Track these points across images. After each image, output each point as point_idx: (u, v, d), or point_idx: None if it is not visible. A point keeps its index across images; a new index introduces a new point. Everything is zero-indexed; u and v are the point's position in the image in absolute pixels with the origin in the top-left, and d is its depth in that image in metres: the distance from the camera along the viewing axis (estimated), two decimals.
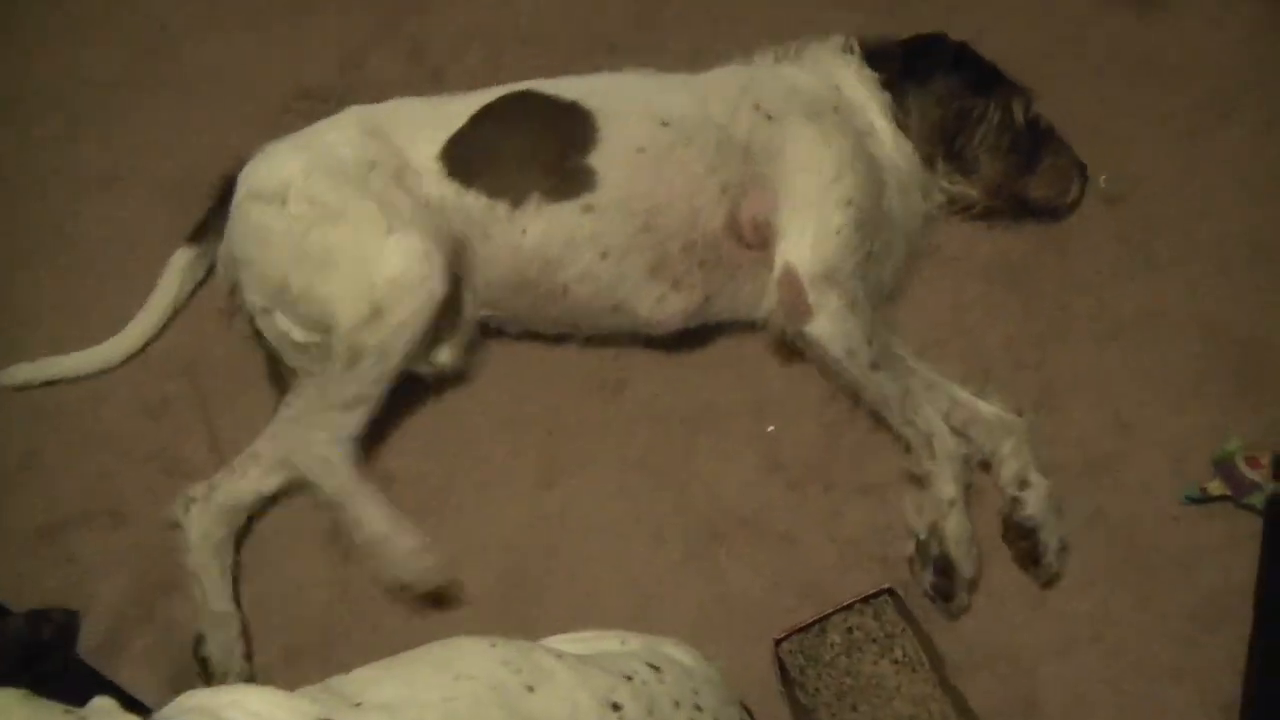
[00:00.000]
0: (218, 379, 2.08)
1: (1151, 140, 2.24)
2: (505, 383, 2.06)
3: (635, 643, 1.47)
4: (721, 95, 2.00)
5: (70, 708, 1.17)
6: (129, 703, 1.32)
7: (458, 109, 1.99)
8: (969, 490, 1.84)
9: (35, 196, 2.33)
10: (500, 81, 2.04)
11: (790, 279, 1.91)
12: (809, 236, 1.91)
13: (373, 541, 1.82)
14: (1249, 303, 2.05)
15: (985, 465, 1.89)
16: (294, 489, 1.92)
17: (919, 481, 1.85)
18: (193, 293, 2.15)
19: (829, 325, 1.89)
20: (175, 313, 2.13)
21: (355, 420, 1.88)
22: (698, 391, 2.03)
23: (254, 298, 1.94)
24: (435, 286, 1.85)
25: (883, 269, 2.03)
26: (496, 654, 1.31)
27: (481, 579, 1.88)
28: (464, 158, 1.95)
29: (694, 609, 1.84)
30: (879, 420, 1.93)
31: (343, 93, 2.31)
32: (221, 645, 1.80)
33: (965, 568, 1.78)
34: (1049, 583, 1.81)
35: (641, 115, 1.96)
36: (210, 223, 2.07)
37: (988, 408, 1.91)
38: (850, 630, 1.76)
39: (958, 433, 1.89)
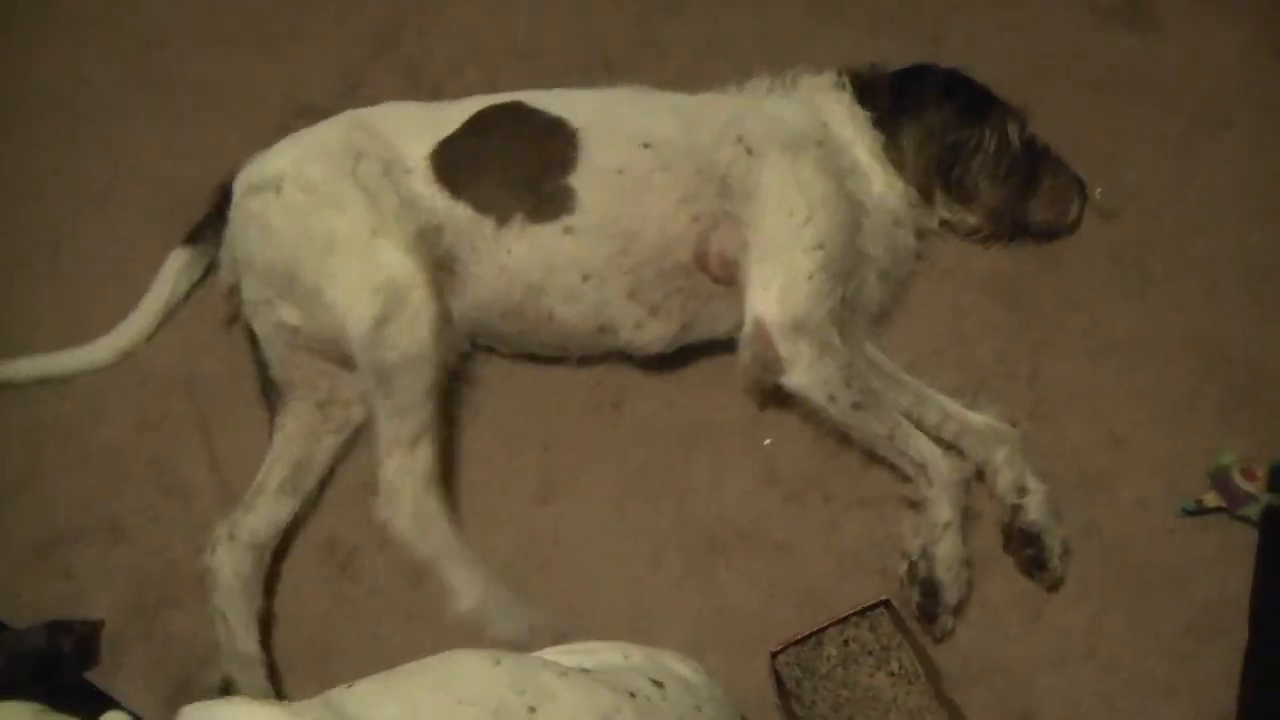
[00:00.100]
0: (216, 396, 2.09)
1: (1145, 157, 2.25)
2: (502, 400, 2.07)
3: (637, 656, 1.46)
4: (708, 122, 1.98)
5: None
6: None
7: (449, 115, 1.99)
8: (967, 514, 1.84)
9: (33, 208, 2.33)
10: None
11: (761, 333, 1.88)
12: (776, 287, 1.87)
13: (473, 614, 1.80)
14: (1242, 319, 2.06)
15: (980, 476, 1.90)
16: (305, 510, 1.93)
17: (916, 506, 1.85)
18: (187, 295, 2.14)
19: (805, 376, 1.86)
20: (169, 314, 2.13)
21: (425, 455, 1.84)
22: (695, 406, 2.04)
23: (255, 292, 1.94)
24: (422, 292, 1.84)
25: (861, 307, 2.01)
26: (499, 673, 1.30)
27: None
28: (453, 165, 1.94)
29: (691, 621, 1.85)
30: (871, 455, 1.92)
31: (341, 109, 2.32)
32: (252, 689, 1.76)
33: (950, 593, 1.79)
34: (1054, 586, 1.82)
35: (624, 136, 1.95)
36: (207, 225, 2.07)
37: (979, 418, 1.92)
38: (847, 642, 1.76)
39: (950, 446, 1.90)
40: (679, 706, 1.36)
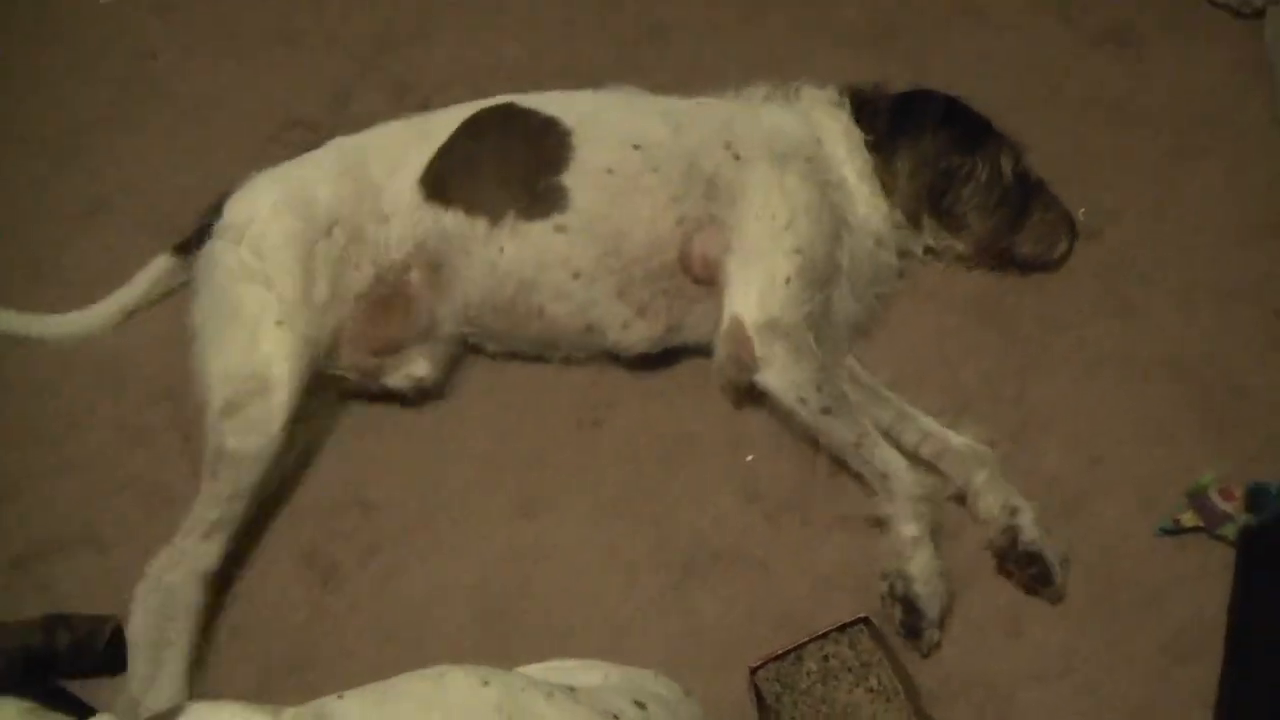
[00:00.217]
0: (197, 406, 2.06)
1: (1127, 179, 2.27)
2: (483, 415, 2.07)
3: (616, 676, 1.45)
4: (699, 126, 2.01)
5: None
6: None
7: (441, 123, 2.02)
8: (937, 528, 1.84)
9: (23, 225, 2.34)
10: None
11: (737, 331, 1.91)
12: (755, 288, 1.91)
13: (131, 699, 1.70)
14: (1222, 341, 2.07)
15: (960, 498, 1.90)
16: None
17: (881, 524, 1.85)
18: (160, 298, 2.15)
19: (777, 376, 1.88)
20: (133, 311, 2.15)
21: (212, 550, 1.80)
22: (677, 420, 2.04)
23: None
24: (284, 398, 1.85)
25: (840, 319, 2.02)
26: (487, 695, 1.28)
27: (457, 610, 1.87)
28: (445, 175, 1.97)
29: (670, 638, 1.84)
30: (839, 464, 1.93)
31: (331, 126, 2.33)
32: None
33: (930, 607, 1.78)
34: (1059, 599, 1.81)
35: (616, 136, 1.98)
36: (196, 239, 2.07)
37: (959, 439, 1.92)
38: (826, 658, 1.76)
39: (930, 465, 1.90)
40: None
